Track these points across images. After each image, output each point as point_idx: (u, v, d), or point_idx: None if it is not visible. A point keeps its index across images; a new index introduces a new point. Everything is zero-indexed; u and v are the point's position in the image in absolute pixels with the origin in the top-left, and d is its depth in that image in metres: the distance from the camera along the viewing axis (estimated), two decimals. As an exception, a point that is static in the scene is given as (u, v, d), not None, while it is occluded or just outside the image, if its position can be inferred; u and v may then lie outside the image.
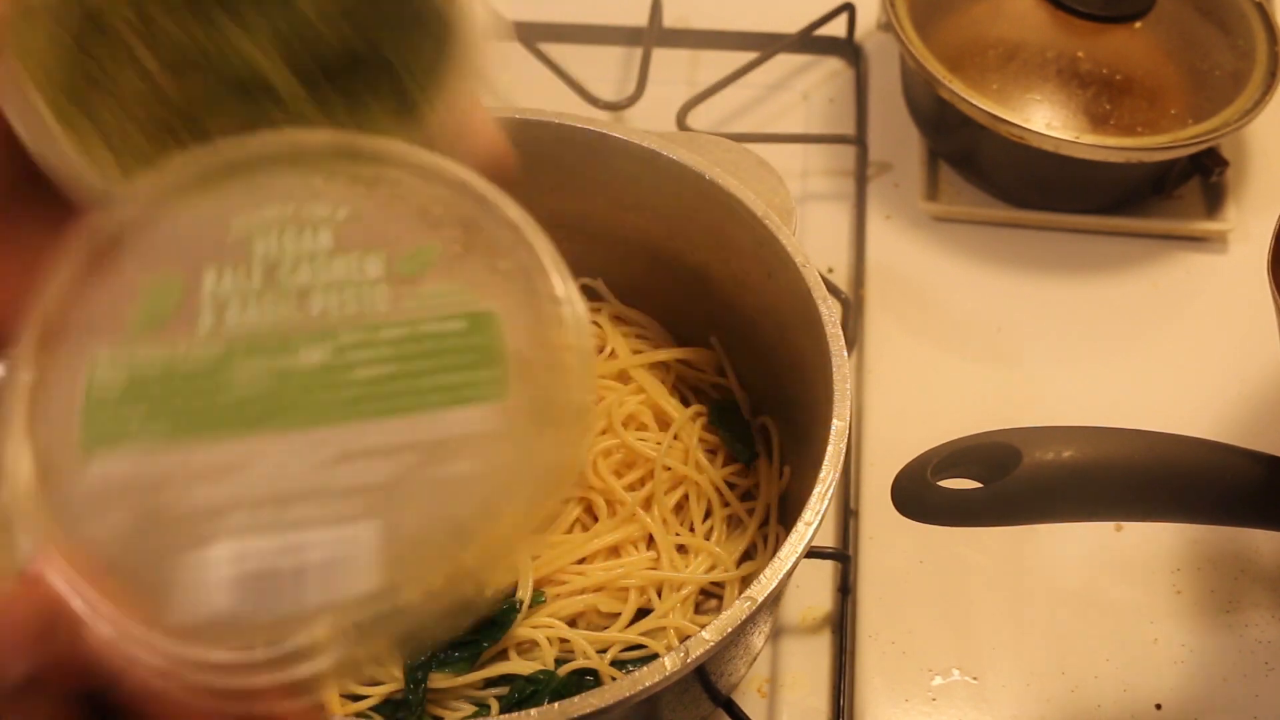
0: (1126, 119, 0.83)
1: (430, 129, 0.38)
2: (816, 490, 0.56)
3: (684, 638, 0.59)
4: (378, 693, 0.62)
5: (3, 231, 0.36)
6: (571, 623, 0.64)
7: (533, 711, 0.49)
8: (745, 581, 0.65)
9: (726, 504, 0.69)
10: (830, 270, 0.86)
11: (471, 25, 0.39)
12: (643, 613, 0.65)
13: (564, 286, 0.34)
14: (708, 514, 0.69)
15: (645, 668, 0.51)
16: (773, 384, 0.70)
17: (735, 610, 0.52)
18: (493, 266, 0.34)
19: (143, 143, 0.39)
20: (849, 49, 0.99)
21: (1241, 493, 0.59)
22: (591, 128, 0.69)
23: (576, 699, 0.50)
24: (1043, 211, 0.88)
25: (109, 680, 0.31)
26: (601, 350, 0.74)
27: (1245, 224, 0.88)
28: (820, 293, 0.62)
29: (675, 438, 0.69)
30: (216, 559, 0.30)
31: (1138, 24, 0.88)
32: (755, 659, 0.67)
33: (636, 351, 0.74)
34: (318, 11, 0.39)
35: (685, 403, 0.73)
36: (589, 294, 0.77)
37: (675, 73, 0.98)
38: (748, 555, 0.68)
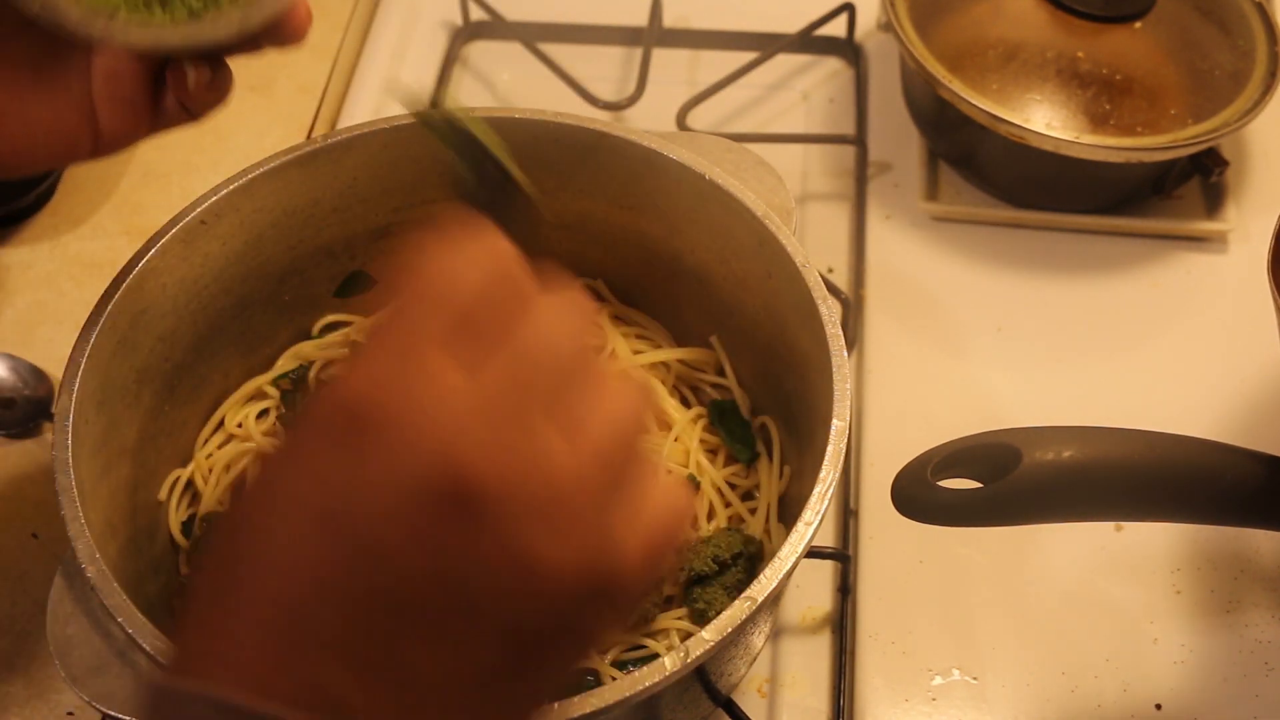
0: (1126, 119, 0.83)
1: None
2: (816, 490, 0.56)
3: (684, 637, 0.59)
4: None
5: None
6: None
7: (533, 711, 0.49)
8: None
9: (728, 504, 0.69)
10: (830, 270, 0.86)
11: None
12: (643, 613, 0.65)
13: None
14: (710, 514, 0.69)
15: (645, 668, 0.51)
16: (773, 384, 0.70)
17: (735, 610, 0.52)
18: None
19: None
20: (849, 49, 0.99)
21: (1241, 493, 0.59)
22: (591, 128, 0.69)
23: (576, 699, 0.50)
24: (1043, 211, 0.88)
25: None
26: (601, 350, 0.74)
27: (1245, 224, 0.88)
28: (820, 293, 0.62)
29: (676, 439, 0.69)
30: None
31: (1138, 24, 0.88)
32: (755, 659, 0.67)
33: (637, 351, 0.74)
34: None
35: (685, 403, 0.73)
36: (589, 294, 0.77)
37: (675, 73, 0.98)
38: (748, 555, 0.68)
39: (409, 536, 0.31)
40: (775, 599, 0.56)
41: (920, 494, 0.58)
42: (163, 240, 0.64)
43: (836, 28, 0.98)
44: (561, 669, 0.35)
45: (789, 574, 0.54)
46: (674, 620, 0.64)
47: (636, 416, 0.35)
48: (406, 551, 0.31)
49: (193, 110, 0.56)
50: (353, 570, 0.31)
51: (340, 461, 0.32)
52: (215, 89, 0.55)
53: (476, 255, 0.34)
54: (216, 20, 0.52)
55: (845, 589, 0.71)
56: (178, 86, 0.54)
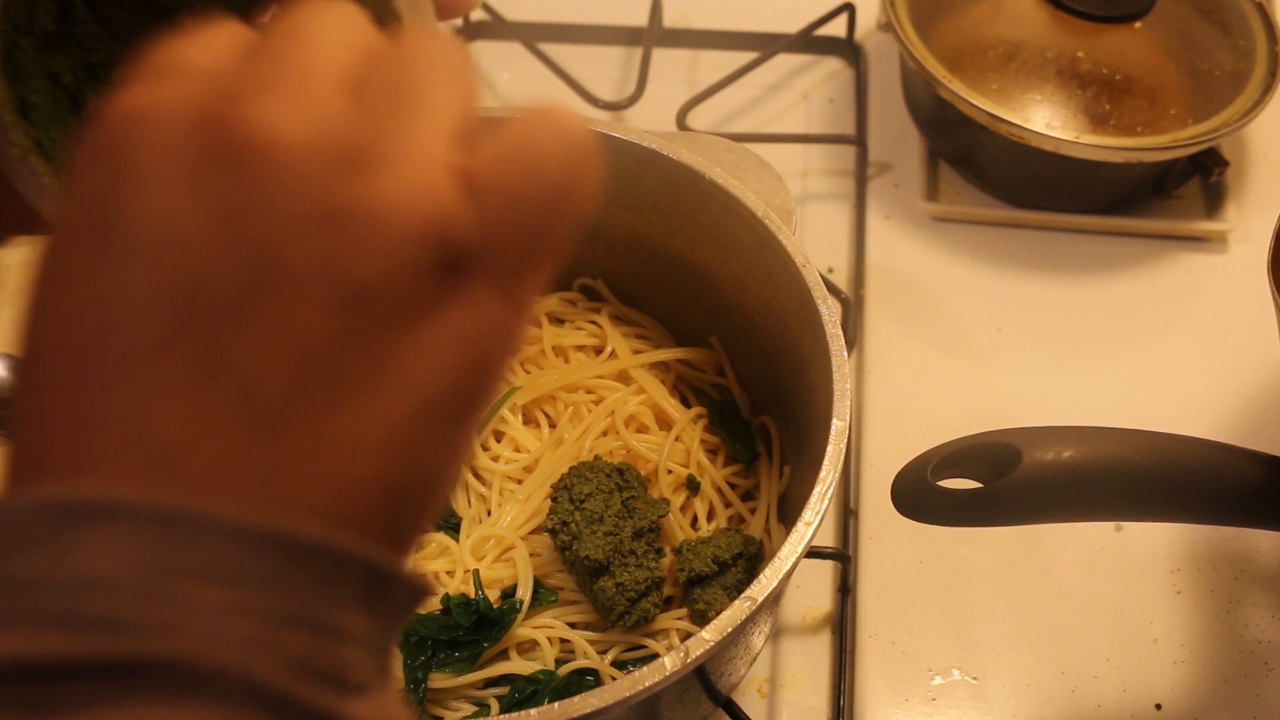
0: (1126, 119, 0.83)
1: None
2: (816, 490, 0.56)
3: (684, 638, 0.59)
4: (378, 693, 0.62)
5: None
6: (572, 623, 0.64)
7: (533, 711, 0.49)
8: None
9: (728, 504, 0.69)
10: (830, 270, 0.86)
11: None
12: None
13: None
14: (710, 515, 0.69)
15: (645, 668, 0.51)
16: (773, 384, 0.70)
17: (735, 610, 0.52)
18: None
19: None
20: (849, 49, 0.99)
21: (1241, 493, 0.59)
22: (591, 128, 0.69)
23: (576, 699, 0.50)
24: (1043, 211, 0.88)
25: None
26: (601, 350, 0.74)
27: (1245, 224, 0.88)
28: (820, 293, 0.62)
29: (676, 439, 0.69)
30: None
31: (1138, 24, 0.88)
32: (755, 659, 0.67)
33: (636, 351, 0.74)
34: None
35: (685, 403, 0.73)
36: (589, 294, 0.77)
37: (675, 73, 0.98)
38: (748, 555, 0.68)
39: (187, 206, 0.26)
40: (775, 599, 0.56)
41: (920, 494, 0.58)
42: (163, 240, 0.64)
43: (836, 28, 0.98)
44: (438, 358, 0.28)
45: (789, 574, 0.54)
46: (674, 620, 0.64)
47: (449, 68, 0.29)
48: (190, 226, 0.26)
49: None
50: (140, 271, 0.26)
51: (103, 167, 0.27)
52: None
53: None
54: None
55: (845, 589, 0.71)
56: None
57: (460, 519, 0.68)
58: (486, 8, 0.98)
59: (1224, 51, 0.87)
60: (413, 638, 0.63)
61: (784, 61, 0.97)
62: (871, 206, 0.89)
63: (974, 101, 0.83)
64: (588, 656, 0.63)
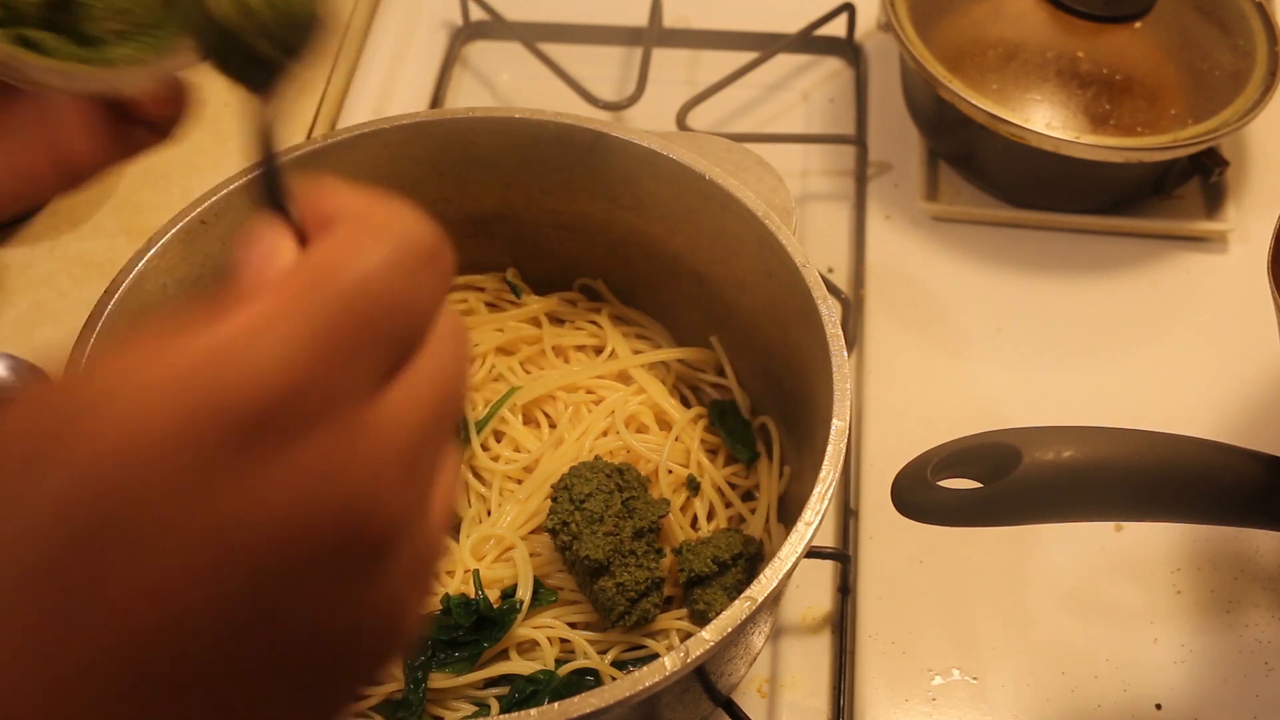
0: (1126, 119, 0.83)
1: None
2: (816, 490, 0.56)
3: (684, 638, 0.59)
4: (378, 693, 0.62)
5: None
6: (572, 623, 0.64)
7: (533, 711, 0.49)
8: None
9: (728, 504, 0.69)
10: (830, 270, 0.86)
11: None
12: (643, 613, 0.65)
13: None
14: (710, 515, 0.69)
15: (645, 668, 0.51)
16: (773, 384, 0.70)
17: (735, 610, 0.52)
18: None
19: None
20: (849, 49, 0.99)
21: (1241, 493, 0.59)
22: (591, 128, 0.69)
23: (576, 699, 0.50)
24: (1043, 211, 0.88)
25: None
26: (601, 350, 0.74)
27: (1245, 224, 0.88)
28: (820, 293, 0.62)
29: (676, 439, 0.69)
30: None
31: (1138, 24, 0.88)
32: (755, 659, 0.67)
33: (636, 351, 0.74)
34: None
35: (685, 403, 0.73)
36: (589, 294, 0.77)
37: (675, 73, 0.98)
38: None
39: (309, 573, 0.27)
40: (775, 599, 0.56)
41: (920, 494, 0.58)
42: (163, 240, 0.64)
43: (836, 28, 0.98)
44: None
45: (789, 574, 0.54)
46: (674, 620, 0.64)
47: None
48: (305, 587, 0.27)
49: (160, 129, 0.55)
50: (245, 596, 0.26)
51: (238, 468, 0.26)
52: (172, 104, 0.54)
53: (395, 238, 0.29)
54: (129, 71, 0.50)
55: (845, 589, 0.71)
56: (134, 109, 0.54)
57: (460, 519, 0.68)
58: (486, 8, 0.98)
59: (1224, 51, 0.87)
60: (413, 638, 0.63)
61: (784, 61, 0.97)
62: (871, 206, 0.89)
63: (974, 101, 0.83)
64: (588, 656, 0.63)
